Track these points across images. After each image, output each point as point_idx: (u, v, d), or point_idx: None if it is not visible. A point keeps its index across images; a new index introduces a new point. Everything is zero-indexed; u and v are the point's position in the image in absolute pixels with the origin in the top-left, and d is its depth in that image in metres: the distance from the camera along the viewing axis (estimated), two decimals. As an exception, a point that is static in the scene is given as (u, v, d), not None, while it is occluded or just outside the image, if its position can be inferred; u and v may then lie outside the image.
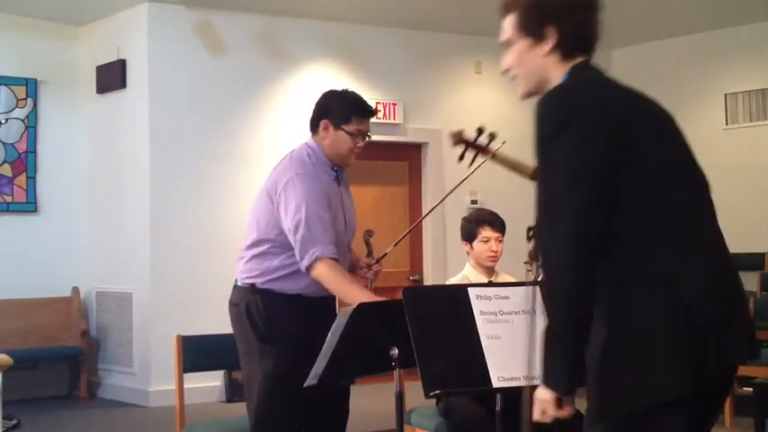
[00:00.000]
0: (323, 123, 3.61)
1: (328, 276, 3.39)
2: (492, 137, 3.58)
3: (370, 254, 3.83)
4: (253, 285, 3.55)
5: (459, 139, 3.60)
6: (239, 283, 3.62)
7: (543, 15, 2.24)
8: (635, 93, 2.26)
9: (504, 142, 4.65)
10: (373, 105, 3.86)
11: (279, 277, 3.52)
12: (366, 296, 3.27)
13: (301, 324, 3.47)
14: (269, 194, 3.59)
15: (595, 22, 2.37)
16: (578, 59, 2.33)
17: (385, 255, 3.84)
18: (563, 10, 2.26)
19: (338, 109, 3.62)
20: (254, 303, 3.53)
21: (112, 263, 7.90)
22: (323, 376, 3.09)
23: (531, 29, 2.26)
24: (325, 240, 3.40)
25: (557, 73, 2.27)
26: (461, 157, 3.57)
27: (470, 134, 3.67)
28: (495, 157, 3.48)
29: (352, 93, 3.73)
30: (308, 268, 3.41)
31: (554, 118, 2.12)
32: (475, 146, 3.49)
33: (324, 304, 3.55)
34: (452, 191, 4.20)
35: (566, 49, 2.27)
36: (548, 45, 2.25)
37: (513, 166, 3.53)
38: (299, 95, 8.07)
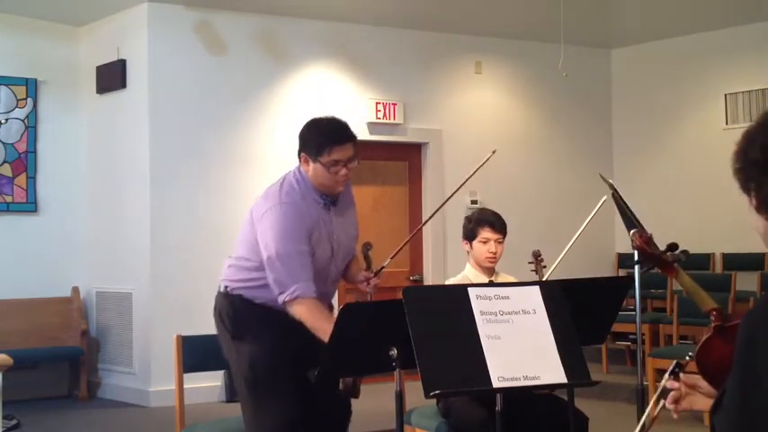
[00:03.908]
0: (302, 156, 3.56)
1: (307, 315, 3.38)
2: (681, 256, 3.22)
3: (368, 267, 3.81)
4: (226, 289, 3.65)
5: (643, 242, 3.28)
6: (219, 288, 3.72)
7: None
8: None
9: (494, 151, 4.66)
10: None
11: (251, 287, 3.57)
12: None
13: (268, 323, 3.50)
14: (252, 219, 3.60)
15: None
16: None
17: (383, 268, 3.82)
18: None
19: (313, 141, 3.51)
20: (224, 306, 3.63)
21: (112, 263, 7.90)
22: (322, 373, 3.10)
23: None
24: (303, 277, 3.39)
25: None
26: (642, 264, 3.16)
27: (658, 245, 3.36)
28: (677, 274, 3.15)
29: (330, 121, 3.57)
30: (287, 303, 3.41)
31: None
32: (659, 259, 3.12)
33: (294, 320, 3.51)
34: (444, 203, 4.15)
35: None
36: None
37: (693, 291, 3.23)
38: (299, 95, 8.08)
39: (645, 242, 3.32)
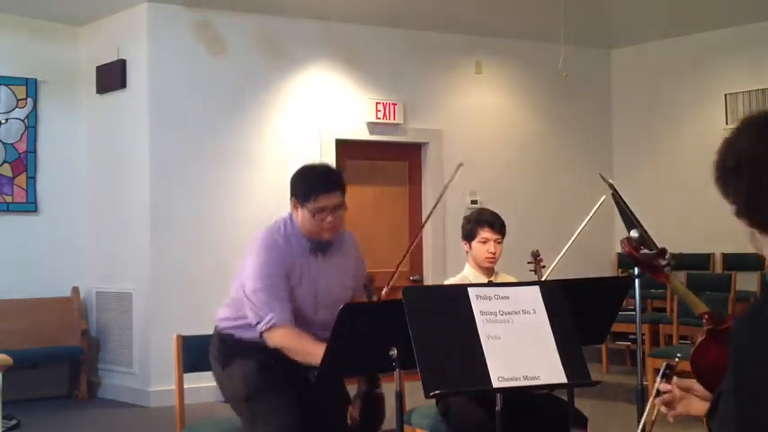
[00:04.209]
0: (292, 201, 3.61)
1: (285, 340, 3.46)
2: (670, 261, 3.16)
3: (369, 299, 3.83)
4: (216, 329, 3.74)
5: (632, 248, 3.17)
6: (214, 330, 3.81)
7: None
8: None
9: (461, 164, 4.66)
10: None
11: (239, 326, 3.63)
12: (322, 350, 3.20)
13: (257, 350, 3.57)
14: (243, 258, 3.71)
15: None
16: None
17: (380, 298, 3.84)
18: None
19: (301, 188, 3.57)
20: (215, 343, 3.74)
21: (112, 263, 7.90)
22: (322, 372, 3.11)
23: None
24: (278, 307, 3.46)
25: None
26: (631, 270, 3.10)
27: (647, 250, 3.30)
28: (668, 279, 3.08)
29: (318, 168, 3.65)
30: (264, 334, 3.47)
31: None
32: (649, 264, 3.03)
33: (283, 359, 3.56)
34: (425, 222, 4.15)
35: None
36: None
37: (684, 295, 3.18)
38: (299, 95, 8.08)
39: (633, 248, 3.29)
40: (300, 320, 3.53)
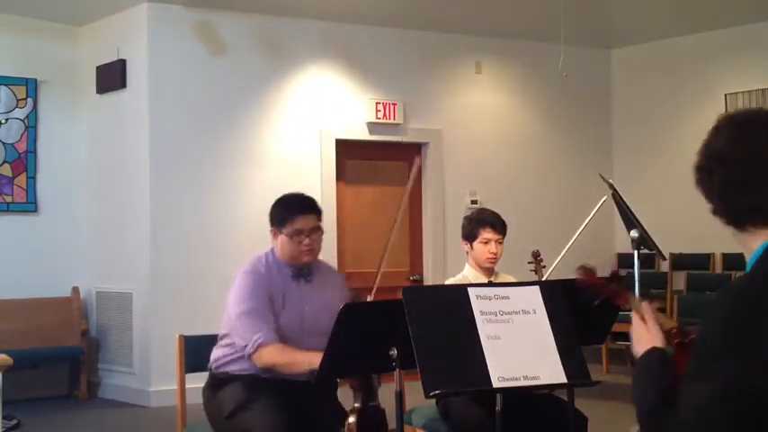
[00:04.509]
0: (271, 231, 3.74)
1: (273, 357, 3.50)
2: (624, 282, 3.11)
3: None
4: (210, 369, 3.77)
5: (590, 277, 3.09)
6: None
7: None
8: None
9: (419, 164, 4.65)
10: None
11: (229, 360, 3.67)
12: (315, 355, 3.29)
13: (242, 376, 3.63)
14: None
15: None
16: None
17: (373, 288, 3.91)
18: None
19: (276, 215, 3.72)
20: (206, 381, 3.78)
21: (112, 263, 7.90)
22: (321, 372, 3.11)
23: None
24: (264, 328, 3.52)
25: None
26: (592, 299, 3.07)
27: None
28: (627, 302, 3.00)
29: (293, 195, 3.81)
30: (253, 355, 3.52)
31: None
32: (608, 289, 2.98)
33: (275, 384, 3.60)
34: (389, 240, 4.14)
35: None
36: None
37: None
38: (299, 95, 8.08)
39: (591, 276, 3.18)
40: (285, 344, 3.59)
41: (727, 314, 1.74)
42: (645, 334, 2.07)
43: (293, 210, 3.68)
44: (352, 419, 3.49)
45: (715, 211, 1.87)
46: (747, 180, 1.81)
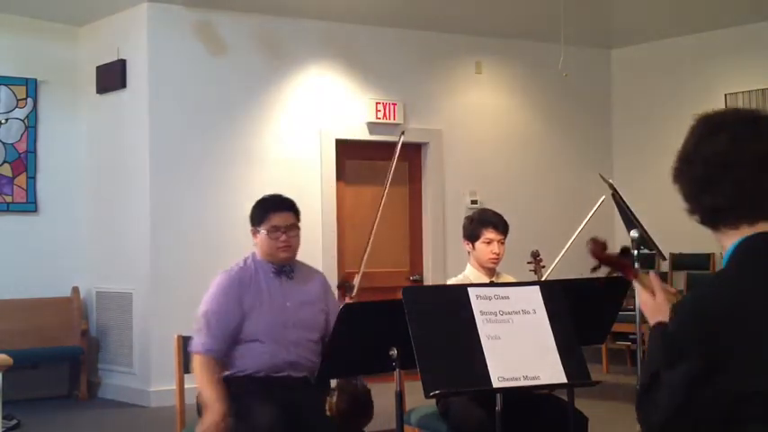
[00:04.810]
0: (251, 231, 3.93)
1: (196, 371, 3.73)
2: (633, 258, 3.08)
3: (347, 292, 4.08)
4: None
5: (601, 251, 3.05)
6: None
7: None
8: None
9: (402, 133, 4.72)
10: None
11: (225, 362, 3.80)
12: (213, 398, 3.55)
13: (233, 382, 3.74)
14: None
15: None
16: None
17: (353, 286, 4.07)
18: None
19: (254, 215, 3.92)
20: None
21: (112, 263, 7.90)
22: (322, 372, 3.11)
23: None
24: (209, 334, 3.71)
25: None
26: (594, 269, 3.08)
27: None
28: (636, 277, 3.00)
29: (270, 195, 4.00)
30: (191, 354, 3.77)
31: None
32: (618, 263, 2.96)
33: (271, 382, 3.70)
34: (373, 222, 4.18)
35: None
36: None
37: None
38: (299, 95, 8.08)
39: (601, 249, 3.16)
40: (272, 338, 3.72)
41: (694, 310, 1.78)
42: (654, 306, 2.08)
43: (269, 208, 3.87)
44: (333, 395, 3.52)
45: (689, 211, 1.90)
46: (709, 180, 1.83)
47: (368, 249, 4.23)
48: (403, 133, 5.00)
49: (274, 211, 3.85)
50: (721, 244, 1.89)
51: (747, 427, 1.73)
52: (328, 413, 3.56)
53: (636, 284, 2.22)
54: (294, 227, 3.85)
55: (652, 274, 2.20)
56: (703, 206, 1.86)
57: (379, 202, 4.65)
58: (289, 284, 3.86)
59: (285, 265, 3.87)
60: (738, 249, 1.83)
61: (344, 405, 3.56)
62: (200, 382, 3.68)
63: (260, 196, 4.03)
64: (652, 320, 2.05)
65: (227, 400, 3.58)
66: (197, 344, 3.74)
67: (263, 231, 3.82)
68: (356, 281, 4.04)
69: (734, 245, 1.84)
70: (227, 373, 3.75)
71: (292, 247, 3.84)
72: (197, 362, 3.73)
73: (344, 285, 4.16)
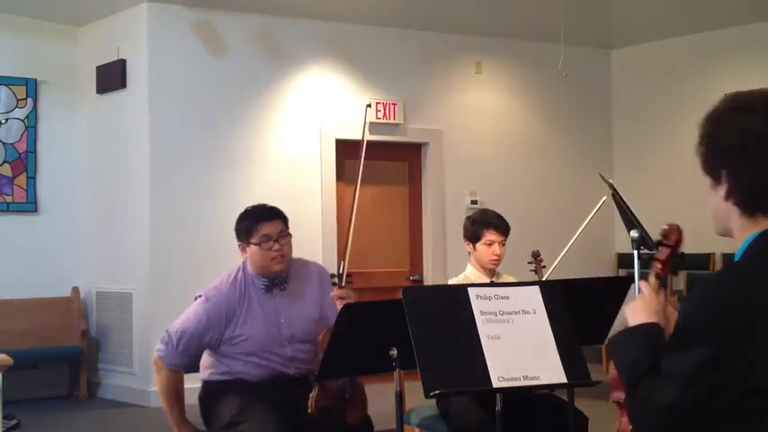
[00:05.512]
0: (239, 247, 3.77)
1: (159, 384, 3.77)
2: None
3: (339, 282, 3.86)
4: (203, 381, 3.86)
5: (680, 240, 2.93)
6: None
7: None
8: None
9: (369, 105, 4.67)
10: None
11: (221, 366, 3.75)
12: (178, 422, 3.71)
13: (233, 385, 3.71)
14: None
15: None
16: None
17: (343, 275, 3.88)
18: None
19: (240, 228, 3.75)
20: (202, 394, 3.86)
21: (112, 263, 7.90)
22: (322, 372, 3.11)
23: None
24: (177, 353, 3.67)
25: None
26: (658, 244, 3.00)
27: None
28: (667, 272, 2.95)
29: (253, 206, 3.84)
30: (156, 358, 3.74)
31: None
32: (671, 256, 2.85)
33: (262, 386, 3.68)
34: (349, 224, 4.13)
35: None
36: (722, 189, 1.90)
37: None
38: (299, 95, 8.08)
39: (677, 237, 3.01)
40: (267, 354, 3.67)
41: (708, 300, 1.80)
42: (655, 307, 2.07)
43: (257, 218, 3.72)
44: (313, 395, 3.51)
45: (729, 194, 1.92)
46: (744, 147, 1.91)
47: (348, 247, 4.05)
48: (369, 105, 4.87)
49: (263, 220, 3.70)
50: (735, 236, 1.89)
51: (763, 420, 1.73)
52: (309, 411, 3.55)
53: (653, 281, 2.26)
54: (285, 234, 3.71)
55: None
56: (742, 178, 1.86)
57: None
58: (282, 298, 3.75)
59: (277, 278, 3.74)
60: (755, 242, 1.84)
61: (323, 402, 3.55)
62: (164, 402, 3.73)
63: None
64: (639, 320, 2.04)
65: (190, 424, 3.68)
66: (164, 356, 3.70)
67: (253, 244, 3.67)
68: (343, 269, 3.87)
69: (751, 237, 1.85)
70: (227, 373, 3.73)
71: (286, 256, 3.70)
72: (162, 375, 3.73)
73: (332, 277, 3.99)
